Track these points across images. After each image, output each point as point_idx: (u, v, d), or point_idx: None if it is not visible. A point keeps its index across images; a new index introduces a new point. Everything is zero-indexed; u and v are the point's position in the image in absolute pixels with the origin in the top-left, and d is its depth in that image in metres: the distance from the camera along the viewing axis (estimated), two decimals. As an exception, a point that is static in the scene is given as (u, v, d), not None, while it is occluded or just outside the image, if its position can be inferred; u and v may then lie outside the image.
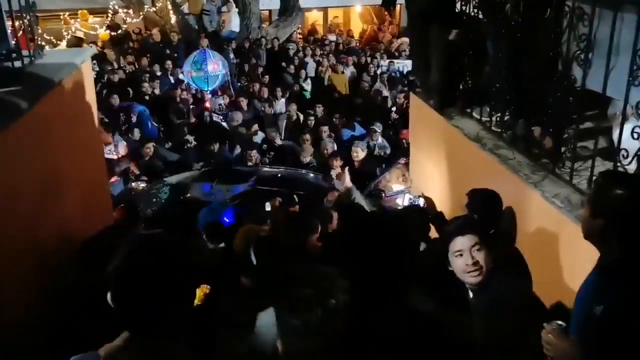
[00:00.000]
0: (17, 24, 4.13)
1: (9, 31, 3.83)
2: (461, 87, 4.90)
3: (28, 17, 4.08)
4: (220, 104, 10.54)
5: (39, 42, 4.59)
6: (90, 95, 4.70)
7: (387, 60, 13.12)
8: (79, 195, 4.14)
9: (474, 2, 4.55)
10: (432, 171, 5.51)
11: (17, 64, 3.77)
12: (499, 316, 2.37)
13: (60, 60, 4.22)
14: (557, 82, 3.62)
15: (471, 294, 2.52)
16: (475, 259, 2.45)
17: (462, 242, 2.48)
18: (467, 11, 4.65)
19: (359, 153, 8.10)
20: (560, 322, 2.20)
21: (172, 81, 11.54)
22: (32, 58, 4.04)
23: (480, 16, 4.54)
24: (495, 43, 4.20)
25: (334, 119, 9.85)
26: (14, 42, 3.92)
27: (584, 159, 3.57)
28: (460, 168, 4.83)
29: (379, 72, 12.46)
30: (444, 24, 4.64)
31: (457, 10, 4.75)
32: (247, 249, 3.69)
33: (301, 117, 10.01)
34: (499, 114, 4.34)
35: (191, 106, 10.54)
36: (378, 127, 9.10)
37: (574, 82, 3.44)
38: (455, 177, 4.94)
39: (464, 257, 2.46)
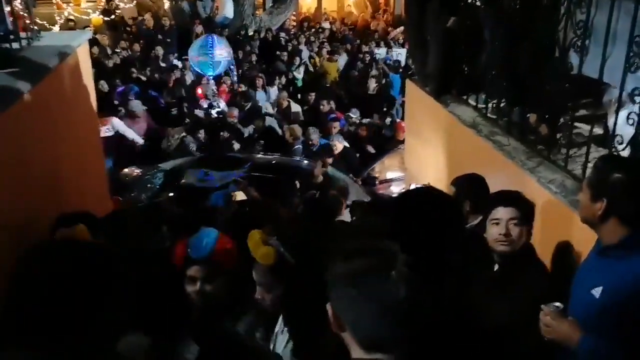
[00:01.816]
0: (14, 6, 4.11)
1: (6, 13, 3.81)
2: (458, 74, 4.93)
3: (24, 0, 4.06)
4: (212, 90, 10.50)
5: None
6: (88, 78, 4.70)
7: (384, 48, 13.11)
8: (76, 178, 4.15)
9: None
10: (427, 157, 5.55)
11: (15, 45, 3.77)
12: (517, 294, 2.42)
13: (57, 43, 4.21)
14: (554, 69, 3.65)
15: (496, 266, 2.60)
16: (510, 231, 2.57)
17: (502, 212, 2.62)
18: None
19: (337, 146, 8.17)
20: (558, 304, 2.25)
21: (164, 66, 11.49)
22: (30, 40, 4.03)
23: (478, 3, 4.55)
24: (492, 30, 4.22)
25: (321, 106, 9.84)
26: (11, 24, 3.90)
27: (579, 145, 3.60)
28: (456, 154, 4.87)
29: (378, 59, 12.46)
30: (441, 10, 4.65)
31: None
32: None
33: (292, 105, 10.01)
34: (495, 101, 4.37)
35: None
36: (354, 114, 9.35)
37: (571, 69, 3.47)
38: (450, 164, 4.98)
39: (500, 226, 2.59)
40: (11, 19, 3.98)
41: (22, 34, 4.00)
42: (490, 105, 4.43)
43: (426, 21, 4.87)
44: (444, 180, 5.14)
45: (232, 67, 11.15)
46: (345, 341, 1.27)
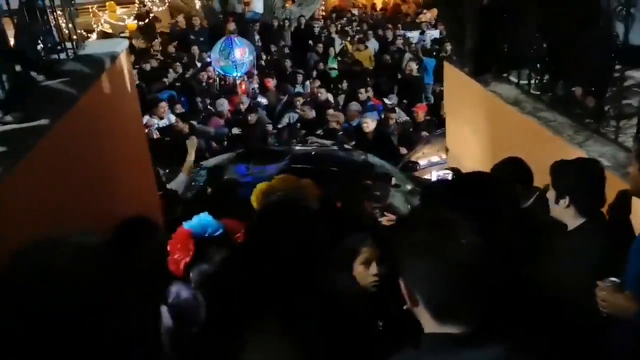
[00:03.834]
0: (58, 17, 4.26)
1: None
2: (497, 52, 4.86)
3: (68, 11, 4.20)
4: (253, 88, 10.62)
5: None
6: (131, 82, 4.83)
7: (416, 31, 12.96)
8: (126, 178, 4.28)
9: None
10: (469, 139, 5.50)
11: (62, 56, 3.91)
12: (583, 263, 2.39)
13: (101, 51, 4.34)
14: (598, 40, 3.57)
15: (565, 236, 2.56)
16: None
17: None
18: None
19: (369, 124, 8.15)
20: (614, 279, 2.22)
21: (199, 65, 11.67)
22: (75, 50, 4.16)
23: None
24: (532, 3, 4.15)
25: (359, 94, 9.82)
26: (57, 35, 4.05)
27: (629, 116, 3.52)
28: (499, 134, 4.82)
29: (410, 42, 12.34)
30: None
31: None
32: None
33: (327, 95, 10.03)
34: (538, 76, 4.30)
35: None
36: (390, 99, 9.37)
37: (616, 39, 3.39)
38: (494, 143, 4.92)
39: None
40: (56, 30, 4.13)
41: (68, 44, 4.14)
42: (532, 81, 4.36)
43: (461, 0, 4.82)
44: (487, 161, 5.09)
45: (255, 63, 11.17)
46: (418, 317, 1.30)
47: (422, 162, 8.13)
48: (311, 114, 9.20)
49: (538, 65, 4.26)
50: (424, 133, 8.48)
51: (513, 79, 4.62)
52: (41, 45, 3.75)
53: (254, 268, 1.64)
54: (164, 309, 1.89)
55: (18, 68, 3.30)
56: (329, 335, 1.61)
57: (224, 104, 9.68)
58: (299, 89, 10.67)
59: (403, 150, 8.26)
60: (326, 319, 1.63)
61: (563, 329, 1.75)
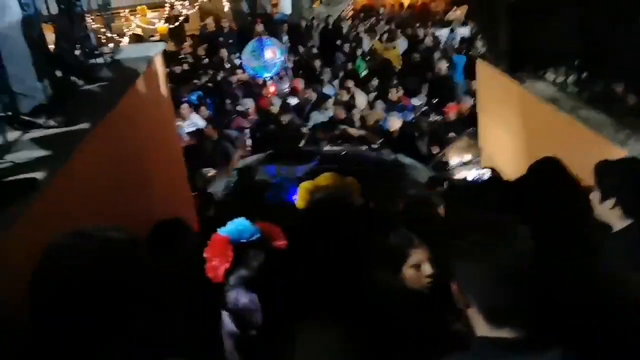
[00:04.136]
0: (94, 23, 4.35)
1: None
2: (532, 49, 4.77)
3: (105, 16, 4.28)
4: (284, 89, 10.65)
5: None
6: (165, 85, 4.89)
7: (446, 29, 12.84)
8: (162, 182, 4.34)
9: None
10: (504, 138, 5.42)
11: (99, 60, 3.98)
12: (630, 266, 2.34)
13: (136, 55, 4.41)
14: (638, 34, 3.48)
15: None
16: None
17: None
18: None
19: (394, 123, 8.08)
20: None
21: (228, 67, 11.77)
22: (112, 54, 4.24)
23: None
24: None
25: (389, 94, 9.77)
26: (94, 40, 4.13)
27: (672, 113, 3.43)
28: (535, 132, 4.73)
29: (438, 41, 12.23)
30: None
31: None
32: None
33: (358, 94, 10.00)
34: (576, 73, 4.21)
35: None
36: (419, 100, 9.34)
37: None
38: (530, 142, 4.84)
39: None
40: (94, 35, 4.22)
41: (105, 49, 4.22)
42: (570, 78, 4.27)
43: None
44: (523, 160, 5.01)
45: (286, 65, 11.18)
46: (471, 319, 1.29)
47: (453, 161, 8.06)
48: (342, 113, 9.18)
49: (576, 61, 4.16)
50: (452, 134, 8.37)
51: (550, 76, 4.53)
52: (80, 50, 3.83)
53: (301, 266, 1.64)
54: (224, 314, 1.91)
55: (59, 73, 3.37)
56: (373, 331, 1.61)
57: (248, 104, 9.64)
58: (328, 88, 10.66)
59: (435, 150, 8.18)
60: (370, 315, 1.62)
61: (613, 334, 1.71)
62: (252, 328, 1.88)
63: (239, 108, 9.64)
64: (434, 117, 8.98)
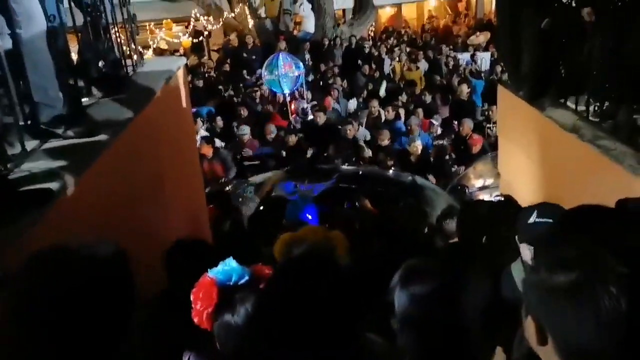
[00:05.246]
0: (120, 35, 4.41)
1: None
2: (554, 76, 4.73)
3: (130, 28, 4.34)
4: (304, 108, 10.68)
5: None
6: (187, 99, 4.94)
7: (467, 53, 12.86)
8: (177, 196, 4.36)
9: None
10: (523, 165, 5.36)
11: (123, 72, 4.03)
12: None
13: (159, 68, 4.46)
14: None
15: None
16: None
17: None
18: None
19: (416, 147, 8.09)
20: None
21: (251, 82, 11.89)
22: (135, 67, 4.29)
23: (573, 3, 4.36)
24: (594, 27, 4.03)
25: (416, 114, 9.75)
26: (118, 52, 4.18)
27: (696, 146, 3.36)
28: (556, 161, 4.67)
29: (459, 64, 12.25)
30: (537, 9, 4.49)
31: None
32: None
33: (382, 112, 9.99)
34: (598, 102, 4.15)
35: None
36: (436, 120, 9.37)
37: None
38: (550, 171, 4.77)
39: None
40: (118, 47, 4.27)
41: (128, 62, 4.28)
42: (592, 107, 4.22)
43: (519, 23, 4.72)
44: (542, 188, 4.94)
45: (303, 82, 11.19)
46: (541, 355, 1.24)
47: (473, 185, 7.99)
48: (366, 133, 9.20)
49: (598, 90, 4.11)
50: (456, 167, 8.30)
51: (571, 104, 4.48)
52: (103, 61, 3.88)
53: (275, 325, 1.52)
54: None
55: (81, 84, 3.42)
56: None
57: (245, 130, 9.33)
58: (351, 105, 10.70)
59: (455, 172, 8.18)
60: None
61: None
62: None
63: (238, 133, 9.44)
64: (450, 140, 8.95)
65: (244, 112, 10.15)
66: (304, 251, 2.50)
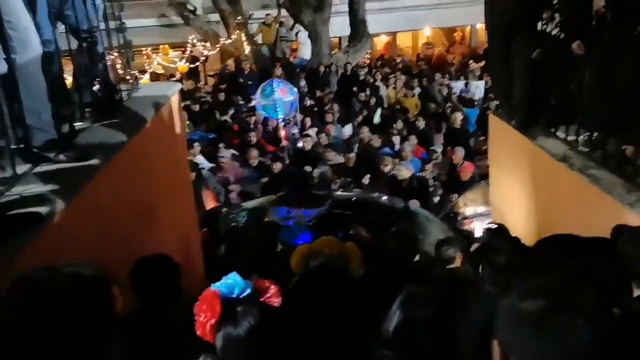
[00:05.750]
0: (114, 60, 4.46)
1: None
2: (545, 106, 4.80)
3: (126, 54, 4.39)
4: (293, 133, 10.73)
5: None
6: (181, 124, 4.97)
7: (462, 81, 13.00)
8: (169, 220, 4.35)
9: (556, 22, 4.47)
10: (514, 194, 5.39)
11: (117, 97, 4.06)
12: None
13: (153, 93, 4.50)
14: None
15: None
16: None
17: None
18: (549, 31, 4.57)
19: (402, 172, 8.13)
20: None
21: (245, 108, 11.96)
22: (129, 92, 4.33)
23: (563, 36, 4.44)
24: (584, 59, 4.10)
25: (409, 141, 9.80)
26: (113, 77, 4.22)
27: (684, 177, 3.40)
28: (546, 190, 4.70)
29: (453, 93, 12.38)
30: (528, 40, 4.57)
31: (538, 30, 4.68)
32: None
33: (373, 139, 10.05)
34: (587, 132, 4.21)
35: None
36: (438, 147, 9.39)
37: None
38: (540, 200, 4.80)
39: None
40: (113, 72, 4.31)
41: (123, 86, 4.31)
42: (582, 137, 4.27)
43: (511, 53, 4.81)
44: (532, 217, 4.96)
45: (296, 107, 11.28)
46: None
47: (465, 212, 8.01)
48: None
49: (588, 121, 4.17)
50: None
51: (561, 134, 4.53)
52: (97, 86, 3.91)
53: (290, 336, 1.57)
54: None
55: (73, 108, 3.44)
56: None
57: (225, 154, 9.39)
58: (346, 130, 10.76)
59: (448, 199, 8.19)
60: None
61: None
62: None
63: (218, 157, 9.45)
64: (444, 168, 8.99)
65: (253, 139, 10.17)
66: (319, 264, 2.58)
